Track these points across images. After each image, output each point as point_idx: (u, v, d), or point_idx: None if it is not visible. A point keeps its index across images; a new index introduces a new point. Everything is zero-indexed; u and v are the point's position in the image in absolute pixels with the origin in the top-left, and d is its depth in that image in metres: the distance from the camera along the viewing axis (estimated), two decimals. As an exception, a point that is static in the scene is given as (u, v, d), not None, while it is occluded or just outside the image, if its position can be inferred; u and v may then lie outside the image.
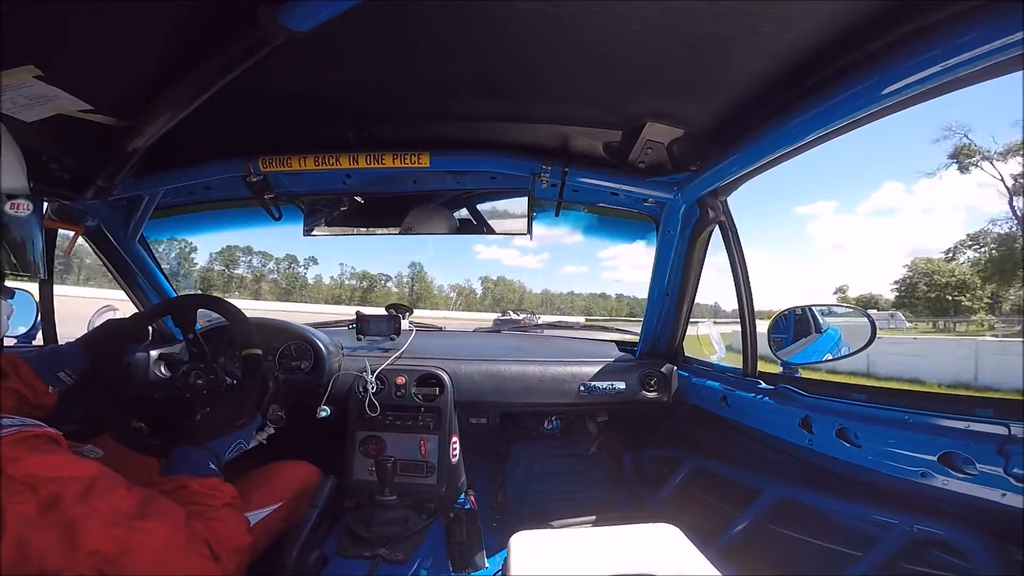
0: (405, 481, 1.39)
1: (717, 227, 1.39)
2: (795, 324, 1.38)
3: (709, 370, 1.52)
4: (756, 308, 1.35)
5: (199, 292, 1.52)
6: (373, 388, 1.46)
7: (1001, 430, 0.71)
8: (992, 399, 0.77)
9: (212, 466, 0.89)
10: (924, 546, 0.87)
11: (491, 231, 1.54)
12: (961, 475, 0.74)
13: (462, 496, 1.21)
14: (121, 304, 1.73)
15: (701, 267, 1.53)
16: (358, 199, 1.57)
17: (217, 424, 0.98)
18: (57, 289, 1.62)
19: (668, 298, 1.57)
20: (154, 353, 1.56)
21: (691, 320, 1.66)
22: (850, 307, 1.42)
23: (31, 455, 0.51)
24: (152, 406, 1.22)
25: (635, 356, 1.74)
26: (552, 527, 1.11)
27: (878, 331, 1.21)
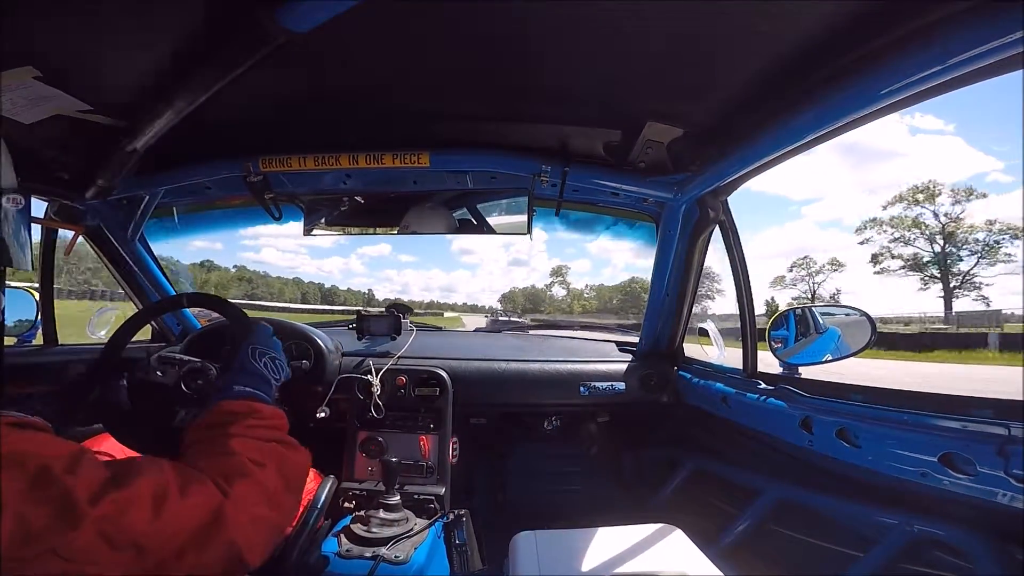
0: (405, 482, 1.38)
1: (717, 227, 1.39)
2: (795, 324, 1.38)
3: (709, 371, 1.52)
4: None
5: (194, 291, 1.52)
6: (377, 390, 1.46)
7: (1001, 431, 0.71)
8: (991, 400, 0.77)
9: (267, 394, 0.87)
10: (925, 546, 0.87)
11: (491, 231, 1.54)
12: (961, 475, 0.74)
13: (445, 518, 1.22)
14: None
15: (701, 267, 1.53)
16: (358, 199, 1.57)
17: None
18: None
19: (668, 298, 1.57)
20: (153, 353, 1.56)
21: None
22: (850, 307, 1.41)
23: (15, 432, 0.51)
24: (151, 408, 1.21)
25: (635, 356, 1.74)
26: (552, 527, 1.12)
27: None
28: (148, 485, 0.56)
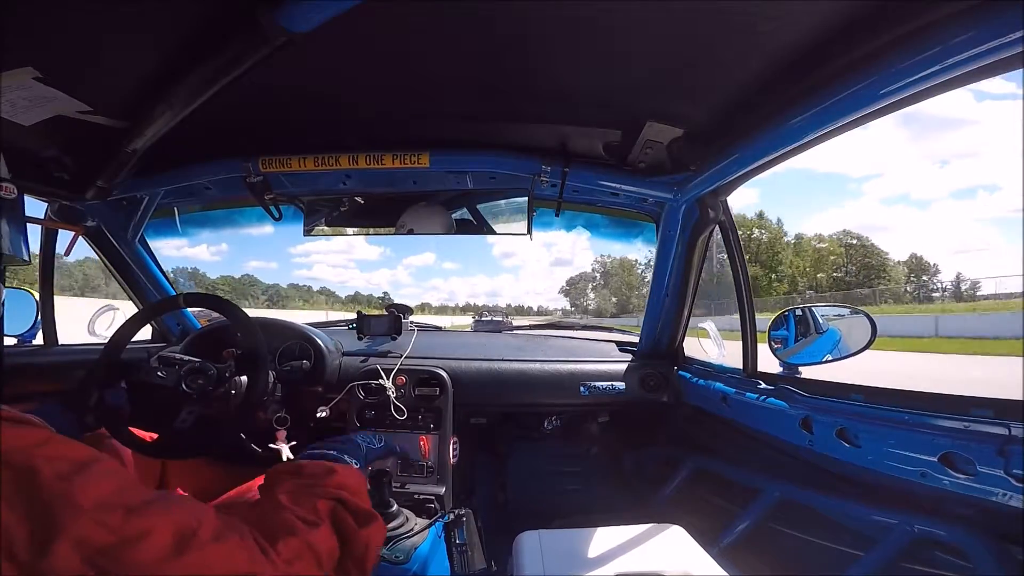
0: (406, 481, 1.38)
1: (717, 227, 1.39)
2: (795, 325, 1.38)
3: (709, 370, 1.52)
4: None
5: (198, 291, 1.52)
6: (393, 393, 1.46)
7: (1001, 430, 0.71)
8: (992, 399, 0.77)
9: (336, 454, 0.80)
10: (924, 546, 0.87)
11: (491, 231, 1.54)
12: (961, 475, 0.74)
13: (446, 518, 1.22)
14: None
15: (701, 267, 1.53)
16: (358, 199, 1.57)
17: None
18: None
19: (668, 298, 1.57)
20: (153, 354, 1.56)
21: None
22: (849, 307, 1.41)
23: (11, 428, 0.44)
24: (153, 409, 1.21)
25: (635, 356, 1.74)
26: (553, 527, 1.12)
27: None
28: (173, 518, 0.48)
